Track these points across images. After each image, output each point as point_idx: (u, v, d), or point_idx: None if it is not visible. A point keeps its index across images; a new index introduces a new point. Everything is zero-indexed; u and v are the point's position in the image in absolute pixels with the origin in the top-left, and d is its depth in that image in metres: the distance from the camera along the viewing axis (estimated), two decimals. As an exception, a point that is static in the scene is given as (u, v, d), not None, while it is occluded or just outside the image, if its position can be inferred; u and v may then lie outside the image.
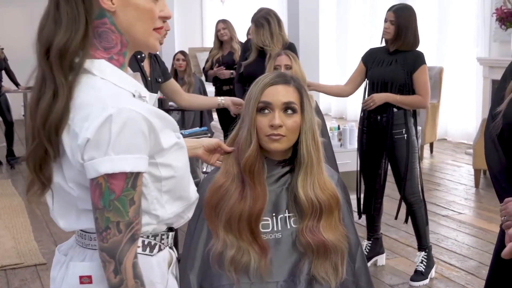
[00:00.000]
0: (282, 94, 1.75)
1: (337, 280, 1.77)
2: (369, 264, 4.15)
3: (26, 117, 1.40)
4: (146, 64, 3.50)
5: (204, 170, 5.35)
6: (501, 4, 7.11)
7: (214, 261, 1.75)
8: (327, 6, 11.00)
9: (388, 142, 3.87)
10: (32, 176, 1.37)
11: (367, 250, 4.19)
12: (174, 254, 1.57)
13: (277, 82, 1.76)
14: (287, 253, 1.77)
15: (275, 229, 1.78)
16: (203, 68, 6.87)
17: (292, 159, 1.81)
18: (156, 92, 3.61)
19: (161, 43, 3.56)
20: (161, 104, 5.71)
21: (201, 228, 1.81)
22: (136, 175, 1.31)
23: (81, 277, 1.41)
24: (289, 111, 1.74)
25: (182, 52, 6.70)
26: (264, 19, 4.50)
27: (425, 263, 3.95)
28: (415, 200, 3.93)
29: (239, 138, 1.78)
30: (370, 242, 4.21)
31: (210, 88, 6.97)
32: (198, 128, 4.24)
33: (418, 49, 3.90)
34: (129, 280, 1.31)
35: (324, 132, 3.75)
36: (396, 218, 4.16)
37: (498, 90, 2.28)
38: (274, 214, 1.79)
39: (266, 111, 1.74)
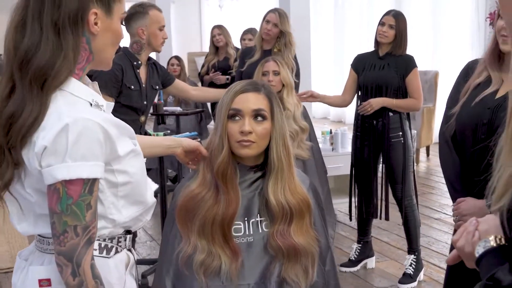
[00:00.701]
0: (252, 101, 1.79)
1: (307, 282, 1.81)
2: (358, 267, 4.20)
3: None
4: (142, 72, 3.56)
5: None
6: (495, 9, 7.15)
7: (182, 263, 1.79)
8: (324, 11, 11.07)
9: (385, 146, 3.90)
10: None
11: (357, 254, 4.23)
12: (132, 256, 1.62)
13: (248, 89, 1.81)
14: (258, 256, 1.82)
15: (247, 233, 1.82)
16: (199, 73, 6.94)
17: (264, 165, 1.85)
18: (153, 99, 3.67)
19: (159, 51, 3.64)
20: (156, 109, 5.76)
21: (176, 232, 1.85)
22: (93, 181, 1.37)
23: (40, 281, 1.46)
24: (259, 118, 1.79)
25: (177, 57, 6.76)
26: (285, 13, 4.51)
27: (414, 266, 3.98)
28: (408, 203, 3.96)
29: (212, 144, 1.83)
30: (360, 245, 4.25)
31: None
32: (188, 133, 4.29)
33: (410, 52, 3.95)
34: (89, 281, 1.36)
35: (312, 136, 3.79)
36: (380, 218, 4.18)
37: (452, 93, 2.35)
38: (246, 218, 1.83)
39: (237, 118, 1.79)
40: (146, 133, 3.78)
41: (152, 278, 3.69)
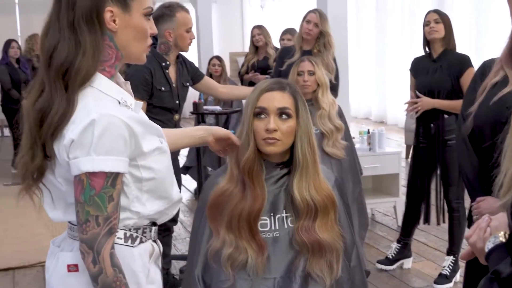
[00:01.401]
0: (277, 100, 1.83)
1: (332, 277, 1.84)
2: (394, 266, 4.19)
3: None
4: (171, 71, 3.61)
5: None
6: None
7: (211, 257, 1.85)
8: (365, 11, 11.02)
9: (440, 148, 3.87)
10: (25, 172, 1.51)
11: (394, 253, 4.22)
12: (157, 247, 1.68)
13: (273, 88, 1.85)
14: (284, 251, 1.85)
15: (273, 228, 1.86)
16: (239, 73, 7.00)
17: (290, 162, 1.89)
18: (185, 97, 3.73)
19: (187, 51, 3.67)
20: (196, 109, 5.84)
21: (204, 226, 1.91)
22: (116, 175, 1.44)
23: (68, 266, 1.55)
24: (284, 116, 1.82)
25: (218, 57, 6.81)
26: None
27: (451, 267, 3.96)
28: (457, 206, 3.93)
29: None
30: (399, 245, 4.23)
31: (245, 92, 7.06)
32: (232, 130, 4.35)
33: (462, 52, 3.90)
34: (108, 268, 1.43)
35: (346, 136, 3.80)
36: (429, 223, 4.15)
37: (469, 92, 2.33)
38: (272, 214, 1.87)
39: (262, 116, 1.83)
40: None
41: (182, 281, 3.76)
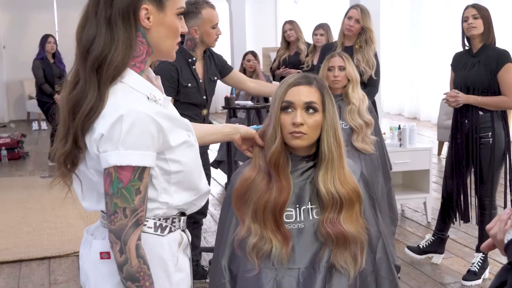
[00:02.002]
0: (304, 94, 1.87)
1: (356, 269, 1.88)
2: (423, 257, 4.19)
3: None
4: (198, 67, 3.65)
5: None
6: None
7: (237, 245, 1.90)
8: (401, 7, 10.94)
9: (474, 145, 3.86)
10: (59, 160, 1.58)
11: (426, 244, 4.21)
12: (186, 237, 1.74)
13: (300, 83, 1.88)
14: (309, 242, 1.89)
15: (298, 219, 1.91)
16: (271, 68, 7.04)
17: (316, 155, 1.93)
18: (213, 91, 3.77)
19: (213, 46, 3.68)
20: (228, 103, 5.91)
21: (231, 217, 1.96)
22: (143, 169, 1.51)
23: (101, 253, 1.62)
24: (311, 110, 1.86)
25: (253, 53, 6.83)
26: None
27: (480, 264, 3.95)
28: (488, 204, 3.92)
29: (265, 134, 1.93)
30: (433, 238, 4.22)
31: (277, 87, 7.10)
32: (255, 126, 4.40)
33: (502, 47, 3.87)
34: (133, 259, 1.50)
35: (376, 131, 3.82)
36: (459, 220, 4.14)
37: None
38: (297, 206, 1.91)
39: (289, 110, 1.87)
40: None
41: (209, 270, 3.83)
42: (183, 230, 1.75)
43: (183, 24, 1.65)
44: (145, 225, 1.61)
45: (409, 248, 4.24)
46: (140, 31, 1.58)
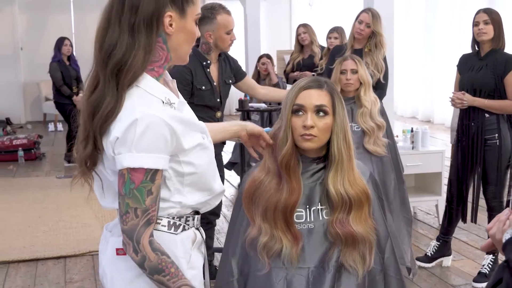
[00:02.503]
0: (315, 97, 1.91)
1: (365, 268, 1.92)
2: (433, 264, 4.22)
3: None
4: (213, 70, 3.70)
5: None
6: None
7: (248, 245, 1.95)
8: (415, 11, 10.93)
9: (480, 147, 3.89)
10: (79, 160, 1.64)
11: (433, 251, 4.25)
12: (200, 235, 1.80)
13: (311, 86, 1.93)
14: (318, 242, 1.94)
15: (308, 219, 1.95)
16: (284, 71, 7.08)
17: (326, 157, 1.97)
18: (227, 94, 3.82)
19: (227, 51, 3.72)
20: (242, 105, 5.97)
21: (242, 217, 2.01)
22: (155, 171, 1.56)
23: (117, 250, 1.68)
24: (321, 113, 1.90)
25: (267, 56, 6.88)
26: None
27: (490, 266, 3.97)
28: (495, 206, 3.95)
29: (276, 136, 1.97)
30: (439, 243, 4.26)
31: (291, 90, 7.15)
32: (268, 128, 4.45)
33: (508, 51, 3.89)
34: (150, 254, 1.56)
35: (388, 133, 3.85)
36: (465, 221, 4.17)
37: None
38: (308, 206, 1.95)
39: (300, 112, 1.91)
40: None
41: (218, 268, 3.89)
42: (197, 228, 1.81)
43: (197, 29, 1.71)
44: (158, 223, 1.67)
45: (418, 259, 4.26)
46: (161, 36, 1.63)
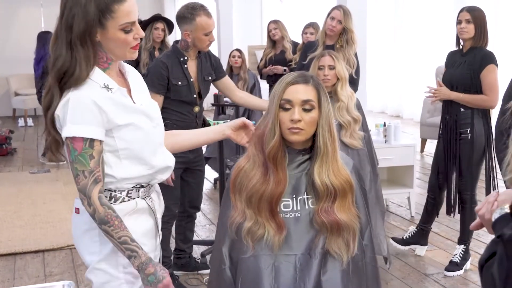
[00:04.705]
0: (301, 92, 2.00)
1: (349, 255, 2.02)
2: (406, 248, 4.36)
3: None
4: (191, 66, 3.74)
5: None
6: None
7: (233, 230, 2.05)
8: (385, 7, 11.07)
9: (454, 140, 4.03)
10: (47, 148, 2.03)
11: (409, 236, 4.39)
12: (146, 203, 2.10)
13: (298, 81, 2.01)
14: (305, 230, 2.03)
15: (295, 208, 2.04)
16: (258, 66, 7.16)
17: (311, 148, 2.07)
18: (207, 90, 3.85)
19: (205, 51, 3.76)
20: (217, 100, 6.02)
21: (230, 205, 2.09)
22: (92, 140, 1.90)
23: (76, 209, 2.08)
24: (308, 107, 1.99)
25: (238, 50, 6.95)
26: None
27: (461, 255, 4.12)
28: (468, 198, 4.08)
29: (263, 129, 2.05)
30: (416, 230, 4.39)
31: (264, 85, 7.24)
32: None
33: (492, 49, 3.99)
34: (98, 207, 1.91)
35: (364, 127, 3.96)
36: (448, 213, 4.27)
37: (509, 88, 2.48)
38: (294, 196, 2.05)
39: (288, 107, 2.00)
40: (204, 121, 3.97)
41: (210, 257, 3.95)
42: (143, 198, 2.09)
43: (137, 31, 1.98)
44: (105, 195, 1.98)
45: (394, 239, 4.41)
46: (98, 43, 1.96)
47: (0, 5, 11.88)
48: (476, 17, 3.90)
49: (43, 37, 7.81)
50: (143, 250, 1.94)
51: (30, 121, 11.07)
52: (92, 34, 1.91)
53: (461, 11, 3.99)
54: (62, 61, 1.91)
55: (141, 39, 2.02)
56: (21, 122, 11.10)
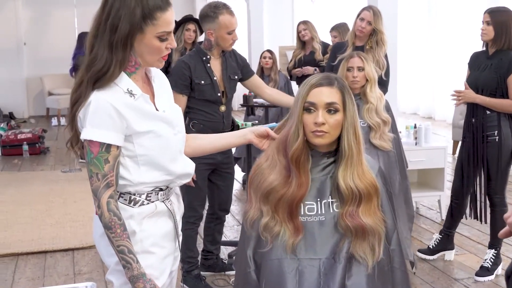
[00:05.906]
0: (325, 95, 1.97)
1: (374, 259, 1.99)
2: (435, 256, 4.30)
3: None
4: (215, 64, 3.74)
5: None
6: None
7: (248, 224, 2.05)
8: (418, 8, 10.95)
9: (480, 144, 3.96)
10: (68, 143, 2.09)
11: (435, 243, 4.33)
12: (165, 206, 2.13)
13: (322, 84, 1.99)
14: (329, 234, 2.01)
15: (319, 212, 2.02)
16: (287, 67, 7.14)
17: (336, 151, 2.04)
18: (232, 89, 3.83)
19: (228, 50, 3.77)
20: (246, 101, 6.03)
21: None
22: (108, 145, 1.94)
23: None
24: (332, 110, 1.97)
25: (269, 51, 6.94)
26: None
27: (492, 260, 4.04)
28: (498, 201, 4.01)
29: (286, 131, 2.03)
30: (441, 236, 4.33)
31: (294, 86, 7.22)
32: (274, 123, 4.51)
33: None
34: (105, 212, 1.94)
35: (393, 129, 3.92)
36: (472, 217, 4.22)
37: None
38: (318, 199, 2.02)
39: (312, 109, 1.98)
40: (233, 122, 3.97)
41: (234, 260, 3.95)
42: (163, 201, 2.11)
43: (171, 41, 2.01)
44: (122, 197, 2.02)
45: (420, 251, 4.35)
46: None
47: (34, 6, 12.08)
48: (496, 19, 3.82)
49: (83, 37, 7.94)
50: (138, 263, 1.97)
51: (63, 121, 11.20)
52: (133, 37, 1.95)
53: (484, 12, 3.93)
54: (103, 62, 1.93)
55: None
56: (54, 121, 11.25)
